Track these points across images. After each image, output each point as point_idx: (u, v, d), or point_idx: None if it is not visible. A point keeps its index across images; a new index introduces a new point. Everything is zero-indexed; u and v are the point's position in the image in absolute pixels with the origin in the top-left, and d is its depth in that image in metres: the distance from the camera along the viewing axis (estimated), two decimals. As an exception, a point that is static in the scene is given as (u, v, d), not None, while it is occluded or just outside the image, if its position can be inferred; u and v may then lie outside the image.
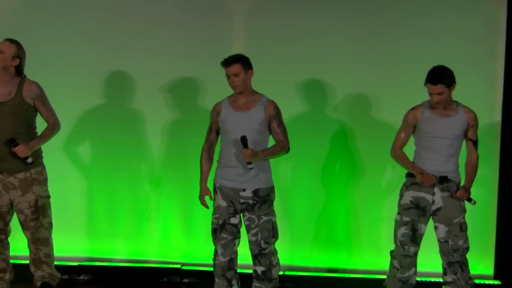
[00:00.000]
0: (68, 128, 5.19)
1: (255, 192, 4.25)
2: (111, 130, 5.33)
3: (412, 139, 4.44)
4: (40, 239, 4.43)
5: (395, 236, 4.38)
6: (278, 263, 4.42)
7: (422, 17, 5.06)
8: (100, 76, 5.30)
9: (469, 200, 4.33)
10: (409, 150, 4.47)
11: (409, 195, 4.34)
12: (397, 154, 4.37)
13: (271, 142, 4.39)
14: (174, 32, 5.26)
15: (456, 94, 4.35)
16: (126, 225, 5.39)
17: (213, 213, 4.32)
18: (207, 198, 4.35)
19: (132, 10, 5.27)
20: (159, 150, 5.36)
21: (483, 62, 5.01)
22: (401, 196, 4.40)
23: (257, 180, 4.24)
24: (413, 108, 4.35)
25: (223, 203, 4.28)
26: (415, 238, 4.33)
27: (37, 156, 4.37)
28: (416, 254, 4.39)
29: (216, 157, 4.42)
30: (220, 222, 4.28)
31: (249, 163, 4.10)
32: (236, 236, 4.31)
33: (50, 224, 4.47)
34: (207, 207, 4.36)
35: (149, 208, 5.40)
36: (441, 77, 4.16)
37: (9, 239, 4.54)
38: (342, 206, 5.23)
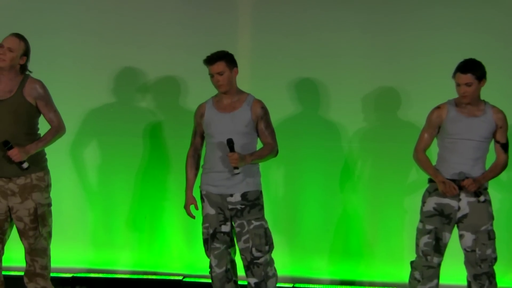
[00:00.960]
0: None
1: (244, 196, 4.21)
2: (107, 131, 5.29)
3: (435, 141, 4.36)
4: (37, 250, 4.34)
5: (417, 245, 4.30)
6: (275, 274, 4.31)
7: (444, 8, 4.98)
8: (95, 72, 5.25)
9: (477, 194, 4.20)
10: (433, 152, 4.42)
11: (432, 202, 4.26)
12: (419, 158, 4.30)
13: (259, 145, 4.36)
14: (175, 25, 5.22)
15: (483, 92, 4.28)
16: (123, 233, 5.34)
17: (203, 223, 4.28)
18: (192, 208, 4.33)
19: (131, 0, 5.28)
20: (160, 153, 5.33)
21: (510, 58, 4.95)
22: (423, 202, 4.31)
23: (245, 183, 4.20)
24: (438, 107, 4.28)
25: (212, 211, 4.23)
26: (439, 248, 4.26)
27: (39, 160, 4.29)
28: (439, 265, 4.31)
29: (202, 162, 4.38)
30: (211, 231, 4.23)
31: (236, 167, 4.05)
32: (230, 244, 4.27)
33: (49, 234, 4.39)
34: (192, 217, 4.33)
35: (148, 215, 5.33)
36: (472, 67, 4.12)
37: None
38: (359, 212, 5.16)
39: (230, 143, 4.03)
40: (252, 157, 4.11)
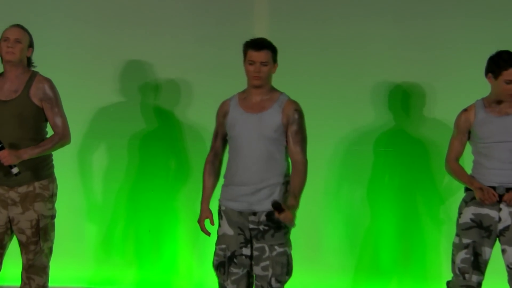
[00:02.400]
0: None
1: (269, 216, 3.89)
2: (106, 133, 5.16)
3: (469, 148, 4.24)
4: (35, 267, 4.21)
5: (453, 262, 4.14)
6: None
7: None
8: (93, 67, 5.14)
9: None
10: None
11: (469, 212, 4.11)
12: (452, 167, 4.19)
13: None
14: (183, 14, 5.13)
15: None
16: (126, 248, 5.20)
17: (217, 243, 4.01)
18: (207, 222, 4.06)
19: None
20: (167, 158, 5.18)
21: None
22: (460, 213, 4.16)
23: (271, 200, 3.88)
24: (465, 110, 4.18)
25: (230, 231, 3.95)
26: (478, 265, 4.09)
27: (44, 166, 4.20)
28: (479, 284, 4.13)
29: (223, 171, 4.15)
30: (228, 254, 3.94)
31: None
32: (249, 269, 3.99)
33: (50, 250, 4.27)
34: (207, 233, 4.06)
35: (152, 228, 5.16)
36: None
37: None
38: (389, 225, 5.01)
39: (277, 206, 3.73)
40: (297, 200, 3.81)
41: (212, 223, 4.02)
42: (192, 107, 5.15)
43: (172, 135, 5.16)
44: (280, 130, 3.89)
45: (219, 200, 4.04)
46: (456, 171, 4.17)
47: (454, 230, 4.18)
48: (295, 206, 3.80)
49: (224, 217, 3.98)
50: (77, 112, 4.93)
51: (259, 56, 3.86)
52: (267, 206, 3.86)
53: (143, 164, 5.18)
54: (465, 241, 4.07)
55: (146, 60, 5.11)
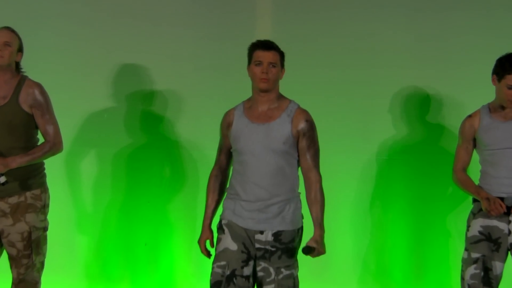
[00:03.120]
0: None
1: (277, 236, 3.72)
2: (99, 141, 5.08)
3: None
4: (26, 282, 4.14)
5: (463, 279, 4.09)
6: None
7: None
8: (87, 70, 5.06)
9: None
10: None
11: (478, 225, 4.06)
12: (458, 178, 4.15)
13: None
14: (182, 14, 5.07)
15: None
16: (120, 263, 5.10)
17: (216, 259, 3.78)
18: (208, 244, 3.91)
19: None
20: (164, 167, 5.12)
21: None
22: (468, 226, 4.12)
23: (280, 219, 3.72)
24: (469, 116, 4.16)
25: (233, 246, 3.73)
26: (489, 281, 4.01)
27: (35, 175, 4.15)
28: None
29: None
30: (228, 272, 3.71)
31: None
32: None
33: (42, 264, 4.20)
34: (207, 255, 3.90)
35: (149, 242, 5.07)
36: None
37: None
38: (398, 239, 4.95)
39: (309, 250, 3.61)
40: (323, 227, 3.70)
41: (212, 244, 3.86)
42: (188, 113, 5.08)
43: (168, 143, 5.07)
44: (290, 142, 3.70)
45: (221, 215, 3.86)
46: (463, 182, 4.11)
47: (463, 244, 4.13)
48: (322, 236, 3.65)
49: (226, 230, 3.77)
50: (68, 117, 4.88)
51: (267, 56, 3.70)
52: (275, 225, 3.72)
53: (139, 173, 5.11)
54: (474, 255, 4.00)
55: (141, 63, 5.05)
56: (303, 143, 3.72)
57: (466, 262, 4.05)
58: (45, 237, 4.19)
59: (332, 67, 4.91)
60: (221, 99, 4.83)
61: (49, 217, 4.44)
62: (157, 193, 5.07)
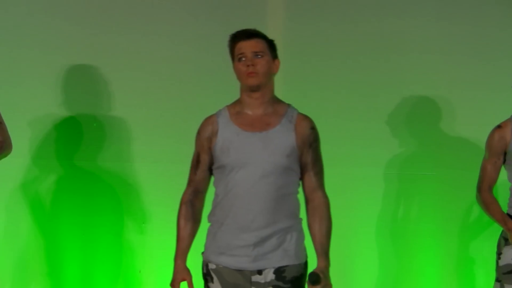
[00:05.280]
0: (25, 150, 4.77)
1: (279, 273, 3.26)
2: (83, 154, 4.87)
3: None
4: None
5: None
6: None
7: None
8: (70, 70, 4.84)
9: None
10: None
11: (511, 253, 3.80)
12: (483, 200, 3.91)
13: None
14: (182, 10, 4.88)
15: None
16: None
17: None
18: (184, 286, 3.37)
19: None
20: (156, 183, 4.86)
21: None
22: (499, 254, 3.86)
23: (281, 252, 3.26)
24: (499, 127, 3.93)
25: None
26: None
27: None
28: None
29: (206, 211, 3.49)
30: None
31: None
32: None
33: None
34: None
35: (143, 269, 4.81)
36: None
37: None
38: (428, 266, 4.74)
39: (316, 279, 3.19)
40: (328, 258, 3.29)
41: (190, 285, 3.36)
42: (191, 120, 4.44)
43: (159, 156, 4.80)
44: (294, 155, 3.25)
45: (204, 254, 3.38)
46: (488, 205, 3.89)
47: (491, 270, 3.90)
48: (328, 268, 3.24)
49: (215, 278, 3.32)
50: (42, 125, 4.77)
51: (250, 45, 3.23)
52: (275, 260, 3.27)
53: (131, 193, 4.84)
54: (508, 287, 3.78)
55: (137, 63, 4.83)
56: (308, 157, 3.28)
57: (498, 296, 3.90)
58: None
59: (352, 69, 4.76)
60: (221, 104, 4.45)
61: (22, 241, 4.64)
62: (152, 211, 4.81)
